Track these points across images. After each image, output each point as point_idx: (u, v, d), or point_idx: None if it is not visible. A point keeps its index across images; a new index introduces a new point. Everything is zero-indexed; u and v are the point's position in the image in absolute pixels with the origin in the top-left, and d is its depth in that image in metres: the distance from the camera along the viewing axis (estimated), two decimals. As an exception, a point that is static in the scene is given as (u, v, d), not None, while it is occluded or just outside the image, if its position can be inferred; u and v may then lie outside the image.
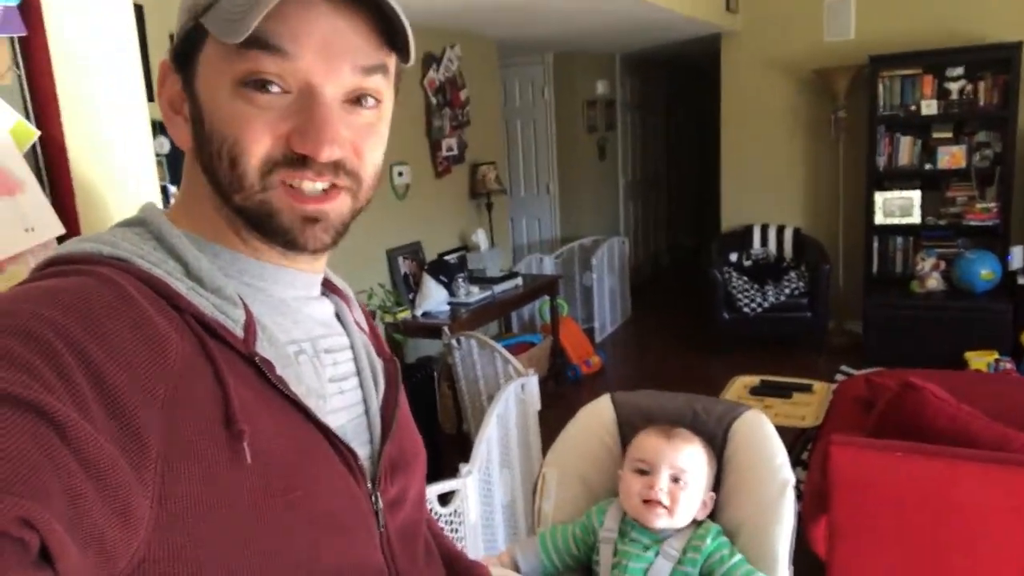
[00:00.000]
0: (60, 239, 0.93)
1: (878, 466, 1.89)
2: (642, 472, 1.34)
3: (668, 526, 1.32)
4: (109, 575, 0.47)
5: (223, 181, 0.59)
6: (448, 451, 3.54)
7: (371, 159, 0.63)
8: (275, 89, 0.57)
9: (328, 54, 0.57)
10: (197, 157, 0.62)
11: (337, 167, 0.60)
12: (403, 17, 0.59)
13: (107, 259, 0.57)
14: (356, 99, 0.60)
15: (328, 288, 0.75)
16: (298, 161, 0.58)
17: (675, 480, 1.32)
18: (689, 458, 1.34)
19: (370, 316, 0.81)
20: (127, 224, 0.63)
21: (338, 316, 0.74)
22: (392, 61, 0.63)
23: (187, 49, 0.60)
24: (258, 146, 0.58)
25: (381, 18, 0.59)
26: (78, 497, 0.44)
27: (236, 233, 0.63)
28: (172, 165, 2.32)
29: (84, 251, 0.58)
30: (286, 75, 0.57)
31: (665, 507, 1.30)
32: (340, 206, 0.62)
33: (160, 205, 0.66)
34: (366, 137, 0.61)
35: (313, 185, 0.60)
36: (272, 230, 0.61)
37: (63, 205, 0.94)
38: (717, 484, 1.39)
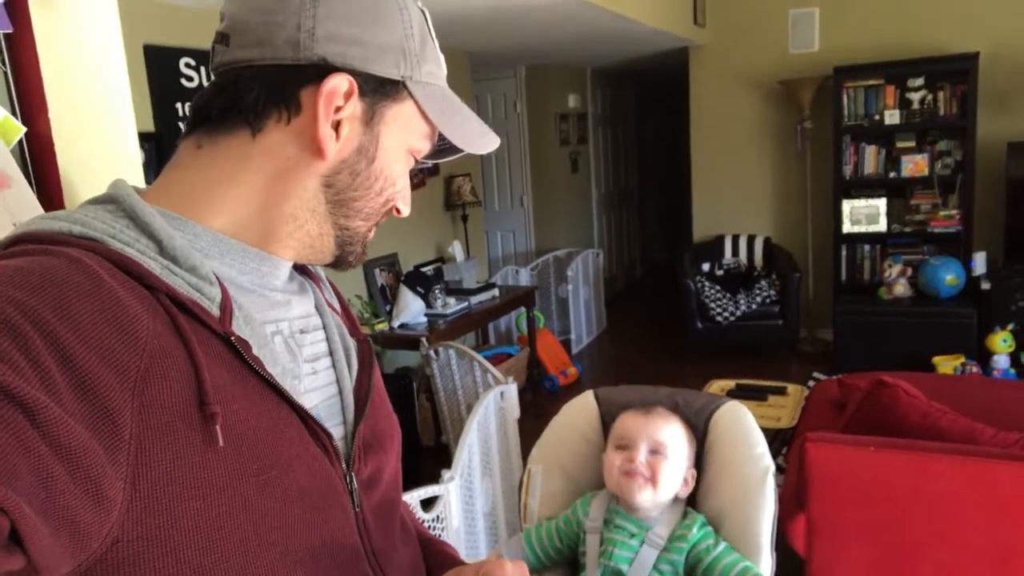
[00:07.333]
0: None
1: (852, 461, 1.93)
2: (622, 448, 1.36)
3: (651, 501, 1.33)
4: (82, 556, 0.47)
5: (357, 207, 0.67)
6: (427, 463, 3.53)
7: None
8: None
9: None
10: (328, 170, 0.64)
11: None
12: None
13: (77, 239, 0.56)
14: None
15: (298, 269, 0.75)
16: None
17: (654, 452, 1.34)
18: (667, 431, 1.36)
19: (342, 296, 0.81)
20: (98, 201, 0.62)
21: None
22: None
23: (381, 91, 0.64)
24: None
25: None
26: (49, 480, 0.44)
27: (271, 233, 0.65)
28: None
29: (53, 230, 0.56)
30: None
31: (646, 478, 1.32)
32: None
33: None
34: None
35: None
36: (349, 252, 0.70)
37: (50, 200, 0.94)
38: (699, 472, 1.41)
